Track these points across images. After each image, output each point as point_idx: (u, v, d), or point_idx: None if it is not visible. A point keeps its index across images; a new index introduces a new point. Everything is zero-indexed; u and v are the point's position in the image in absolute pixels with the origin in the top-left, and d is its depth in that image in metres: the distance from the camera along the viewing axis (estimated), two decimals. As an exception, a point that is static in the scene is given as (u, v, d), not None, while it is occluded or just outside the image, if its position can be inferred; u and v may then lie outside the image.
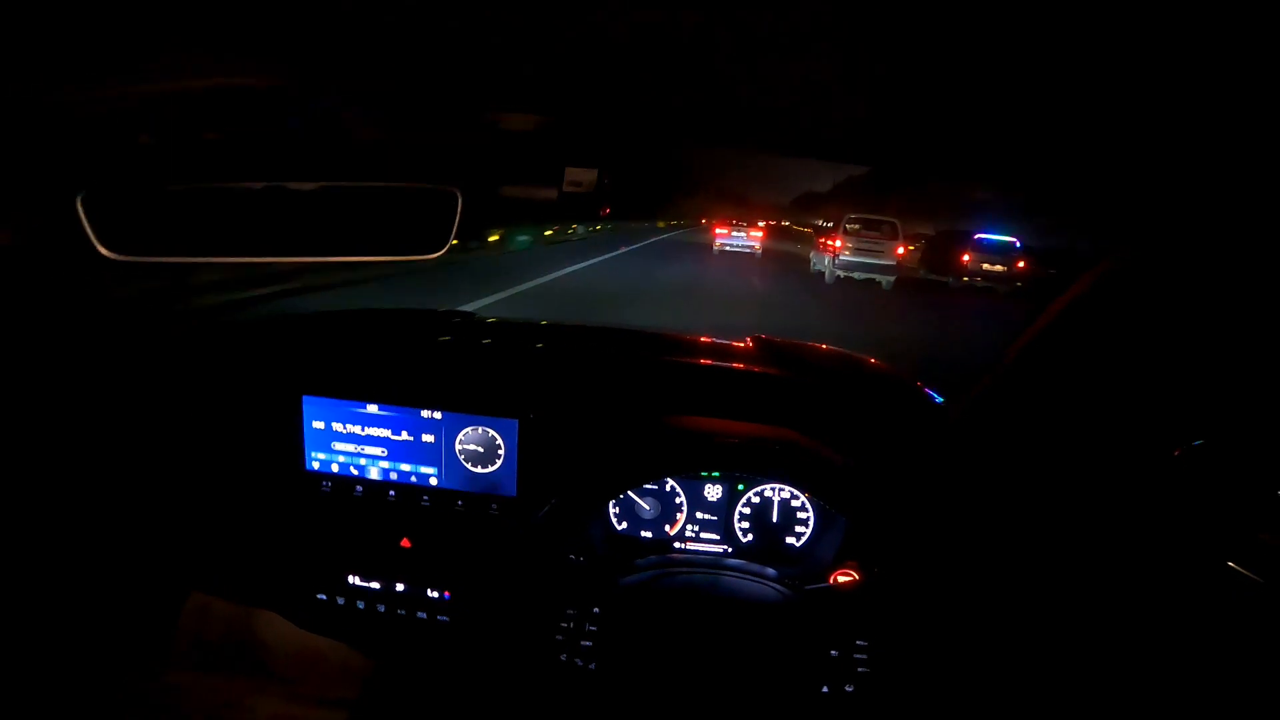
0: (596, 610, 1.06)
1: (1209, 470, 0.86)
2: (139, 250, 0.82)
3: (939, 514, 1.04)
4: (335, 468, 1.16)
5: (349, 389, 1.13)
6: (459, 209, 0.90)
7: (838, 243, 13.02)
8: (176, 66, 0.73)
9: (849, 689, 1.02)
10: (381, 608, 1.15)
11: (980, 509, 1.02)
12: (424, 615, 1.14)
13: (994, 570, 1.00)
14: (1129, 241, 0.80)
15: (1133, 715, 0.85)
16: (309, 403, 1.14)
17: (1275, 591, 0.76)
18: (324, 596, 1.17)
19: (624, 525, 1.20)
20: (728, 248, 18.87)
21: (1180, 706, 0.81)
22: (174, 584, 1.34)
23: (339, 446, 1.16)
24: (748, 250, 18.88)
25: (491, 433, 1.13)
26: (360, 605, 1.16)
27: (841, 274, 12.98)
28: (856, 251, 12.80)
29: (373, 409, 1.14)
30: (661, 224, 41.21)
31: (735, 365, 1.25)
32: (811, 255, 15.96)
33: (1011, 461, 1.00)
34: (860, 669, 1.02)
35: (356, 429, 1.15)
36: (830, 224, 15.83)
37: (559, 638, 1.05)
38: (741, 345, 1.33)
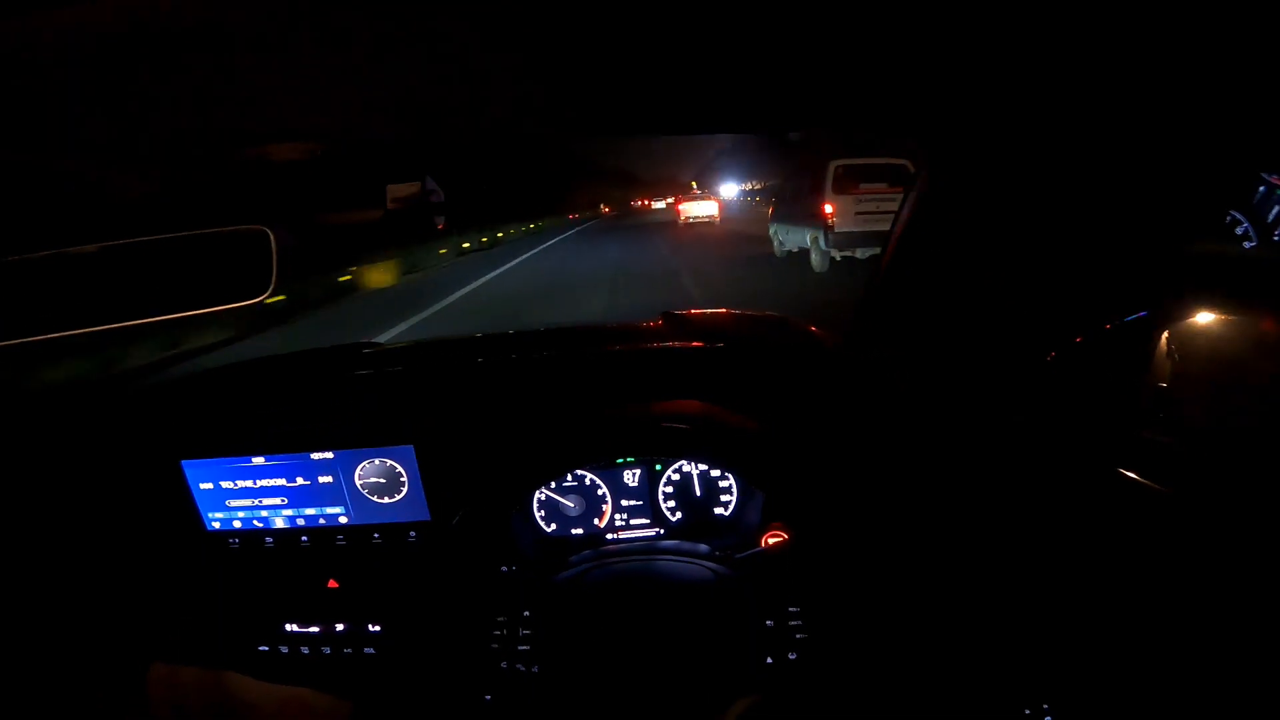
0: (528, 613, 1.05)
1: (1083, 371, 0.83)
2: None
3: (848, 454, 1.02)
4: (237, 524, 1.11)
5: (225, 447, 1.07)
6: (274, 247, 0.81)
7: (828, 208, 8.50)
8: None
9: (792, 656, 1.02)
10: (327, 649, 1.13)
11: (877, 434, 1.00)
12: (371, 650, 1.12)
13: (899, 507, 0.99)
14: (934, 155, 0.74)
15: (1048, 632, 0.86)
16: (189, 466, 1.08)
17: (1166, 493, 0.74)
18: (266, 648, 1.14)
19: (552, 527, 1.18)
20: (691, 218, 23.31)
21: (1093, 626, 0.81)
22: (124, 658, 1.31)
23: (234, 503, 1.10)
24: (707, 219, 22.94)
25: (390, 463, 1.07)
26: (305, 651, 1.14)
27: (837, 254, 8.69)
28: (860, 217, 8.33)
29: (259, 461, 1.08)
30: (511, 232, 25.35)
31: (639, 346, 1.19)
32: (774, 231, 11.24)
33: (896, 384, 0.98)
34: (798, 635, 1.01)
35: (248, 483, 1.09)
36: (793, 184, 10.63)
37: (494, 646, 1.04)
38: (649, 324, 1.26)
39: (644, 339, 1.23)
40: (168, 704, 1.33)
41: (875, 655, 1.00)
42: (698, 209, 23.32)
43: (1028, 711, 0.81)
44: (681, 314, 1.27)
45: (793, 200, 10.17)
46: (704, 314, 1.27)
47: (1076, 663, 0.82)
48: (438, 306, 8.92)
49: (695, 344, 1.15)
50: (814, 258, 9.09)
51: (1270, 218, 0.76)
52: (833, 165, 8.69)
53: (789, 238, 10.45)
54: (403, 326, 7.64)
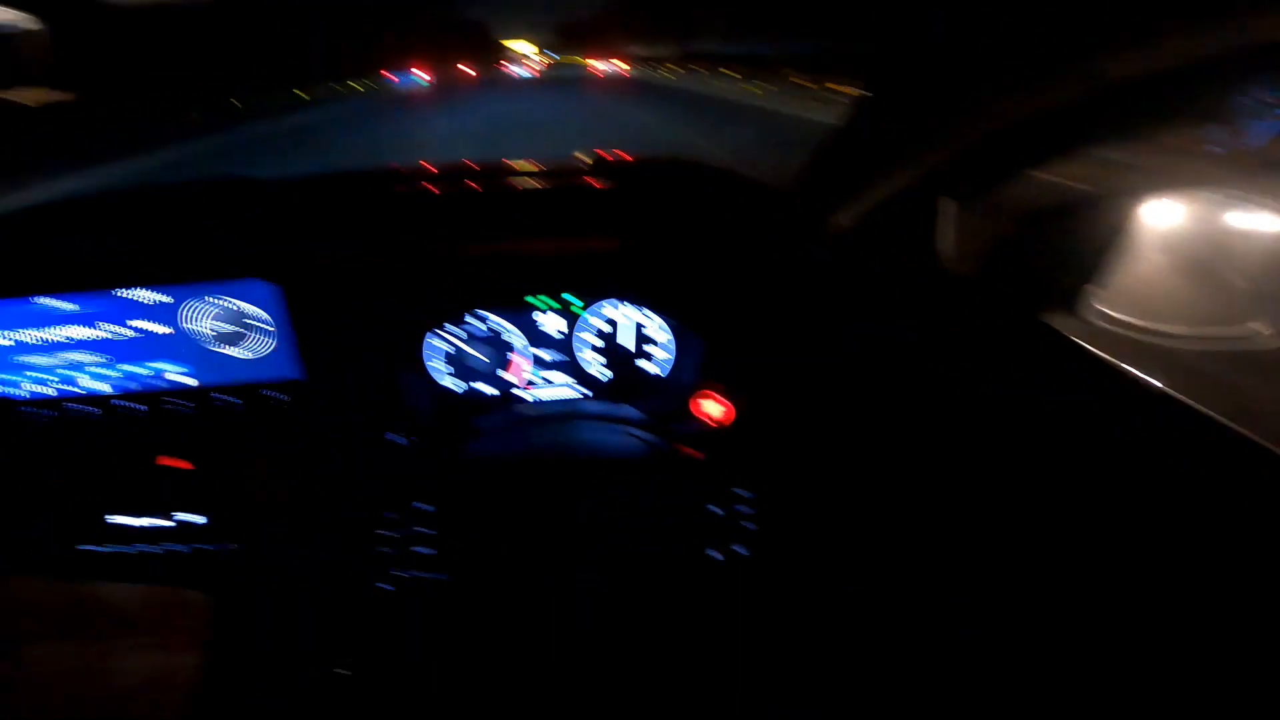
0: (426, 493, 0.86)
1: None
2: None
3: (794, 312, 0.92)
4: (31, 387, 0.85)
5: (7, 284, 0.79)
6: None
7: None
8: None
9: (742, 551, 0.86)
10: (180, 547, 0.92)
11: (827, 294, 0.90)
12: (234, 545, 0.92)
13: (852, 378, 0.89)
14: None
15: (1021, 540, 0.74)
16: None
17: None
18: (91, 547, 0.92)
19: (454, 385, 1.01)
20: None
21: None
22: None
23: (26, 359, 0.84)
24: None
25: (249, 307, 0.85)
26: (145, 548, 0.92)
27: None
28: None
29: (54, 303, 0.81)
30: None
31: (554, 183, 1.02)
32: None
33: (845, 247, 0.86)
34: (745, 524, 0.86)
35: (44, 334, 0.83)
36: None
37: (386, 549, 0.85)
38: (565, 164, 1.08)
39: (560, 177, 1.05)
40: (28, 607, 1.08)
41: (829, 552, 0.88)
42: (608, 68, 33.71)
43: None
44: (605, 154, 1.10)
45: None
46: (629, 157, 1.12)
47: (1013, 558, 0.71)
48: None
49: (619, 183, 1.00)
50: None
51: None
52: None
53: None
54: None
